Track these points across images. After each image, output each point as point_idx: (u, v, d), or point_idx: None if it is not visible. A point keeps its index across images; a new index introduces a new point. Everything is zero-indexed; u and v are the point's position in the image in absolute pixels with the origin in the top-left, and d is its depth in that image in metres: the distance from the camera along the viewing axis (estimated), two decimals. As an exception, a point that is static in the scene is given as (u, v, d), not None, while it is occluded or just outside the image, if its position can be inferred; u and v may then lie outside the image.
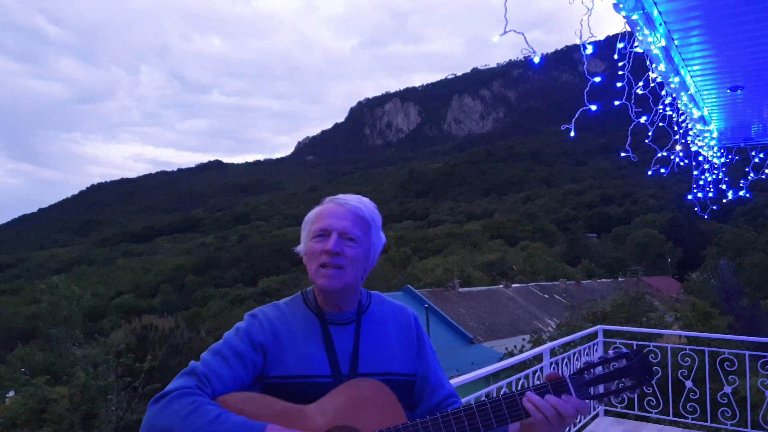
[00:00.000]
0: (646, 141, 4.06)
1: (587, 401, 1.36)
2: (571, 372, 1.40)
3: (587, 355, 5.65)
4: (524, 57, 2.84)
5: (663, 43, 3.32)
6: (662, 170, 4.72)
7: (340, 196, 1.52)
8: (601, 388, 1.36)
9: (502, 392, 3.99)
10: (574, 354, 5.43)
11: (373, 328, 1.53)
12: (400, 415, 1.38)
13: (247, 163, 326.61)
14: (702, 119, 5.18)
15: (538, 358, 5.01)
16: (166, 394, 1.32)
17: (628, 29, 3.11)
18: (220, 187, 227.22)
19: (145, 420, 1.30)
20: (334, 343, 1.46)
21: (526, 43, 2.72)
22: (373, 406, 1.37)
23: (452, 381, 3.35)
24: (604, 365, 1.36)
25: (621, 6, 2.91)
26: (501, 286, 34.67)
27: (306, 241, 1.51)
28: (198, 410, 1.27)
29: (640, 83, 3.50)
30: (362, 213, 1.49)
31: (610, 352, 1.40)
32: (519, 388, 4.31)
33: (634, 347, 5.63)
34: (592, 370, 1.36)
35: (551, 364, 4.94)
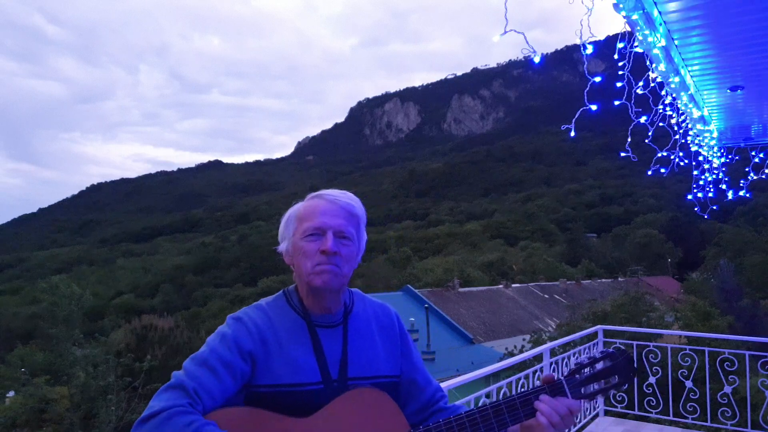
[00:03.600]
0: (646, 141, 4.06)
1: (580, 401, 1.38)
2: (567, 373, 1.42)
3: (587, 355, 5.65)
4: (524, 57, 2.84)
5: (663, 43, 3.32)
6: (662, 170, 4.72)
7: (326, 192, 1.46)
8: (591, 387, 1.39)
9: (501, 393, 4.01)
10: (574, 354, 5.43)
11: (359, 330, 1.48)
12: (402, 423, 1.35)
13: (246, 163, 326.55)
14: (702, 119, 5.17)
15: (538, 358, 5.01)
16: (155, 414, 1.18)
17: (628, 29, 3.11)
18: (220, 187, 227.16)
19: None
20: (323, 348, 1.39)
21: (527, 42, 2.72)
22: (375, 416, 1.33)
23: (452, 381, 3.35)
24: (593, 365, 1.41)
25: (621, 6, 2.91)
26: (501, 286, 34.68)
27: (293, 239, 1.44)
28: None
29: (640, 83, 3.50)
30: (354, 210, 1.44)
31: (598, 352, 1.44)
32: (519, 387, 4.32)
33: (634, 347, 5.63)
34: (583, 371, 1.40)
35: (551, 364, 4.94)
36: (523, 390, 1.41)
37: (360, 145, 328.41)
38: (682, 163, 5.02)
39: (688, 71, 4.16)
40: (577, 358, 5.37)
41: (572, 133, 3.41)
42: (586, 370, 1.40)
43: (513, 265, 52.21)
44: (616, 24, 3.07)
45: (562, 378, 1.39)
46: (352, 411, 1.32)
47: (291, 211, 1.48)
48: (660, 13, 3.20)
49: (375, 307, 1.56)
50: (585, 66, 2.96)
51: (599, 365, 1.40)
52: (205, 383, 1.27)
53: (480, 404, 1.47)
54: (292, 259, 1.44)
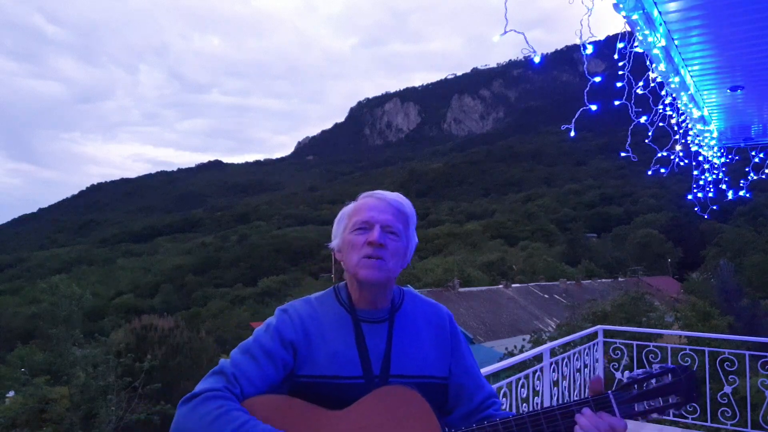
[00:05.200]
0: (646, 141, 4.06)
1: (625, 421, 1.28)
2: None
3: (587, 355, 5.65)
4: (524, 57, 2.84)
5: (663, 43, 3.32)
6: (662, 170, 4.72)
7: (377, 191, 1.51)
8: (644, 405, 1.29)
9: (501, 393, 4.00)
10: (574, 354, 5.43)
11: (406, 328, 1.48)
12: (434, 426, 1.32)
13: (247, 163, 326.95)
14: (702, 119, 5.17)
15: (538, 358, 5.00)
16: (195, 395, 1.29)
17: (628, 29, 3.11)
18: (220, 187, 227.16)
19: (174, 421, 1.28)
20: (366, 342, 1.41)
21: (527, 42, 2.72)
22: (405, 415, 1.30)
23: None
24: (649, 381, 1.30)
25: (621, 6, 2.91)
26: (501, 286, 34.68)
27: (343, 234, 1.48)
28: (224, 416, 1.23)
29: (640, 83, 3.50)
30: (402, 208, 1.48)
31: (656, 367, 1.32)
32: (519, 388, 4.32)
33: (634, 347, 5.63)
34: (636, 386, 1.29)
35: (551, 364, 4.94)
36: (567, 401, 1.31)
37: (360, 145, 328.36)
38: (682, 163, 5.02)
39: (688, 71, 4.16)
40: (577, 358, 5.37)
41: (572, 133, 3.41)
42: (639, 385, 1.29)
43: (513, 265, 52.22)
44: (616, 24, 3.07)
45: (610, 392, 1.29)
46: (382, 408, 1.31)
47: (343, 210, 1.53)
48: (660, 13, 3.20)
49: (426, 307, 1.56)
50: (585, 66, 2.96)
51: (656, 381, 1.29)
52: (245, 370, 1.34)
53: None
54: (342, 255, 1.47)
